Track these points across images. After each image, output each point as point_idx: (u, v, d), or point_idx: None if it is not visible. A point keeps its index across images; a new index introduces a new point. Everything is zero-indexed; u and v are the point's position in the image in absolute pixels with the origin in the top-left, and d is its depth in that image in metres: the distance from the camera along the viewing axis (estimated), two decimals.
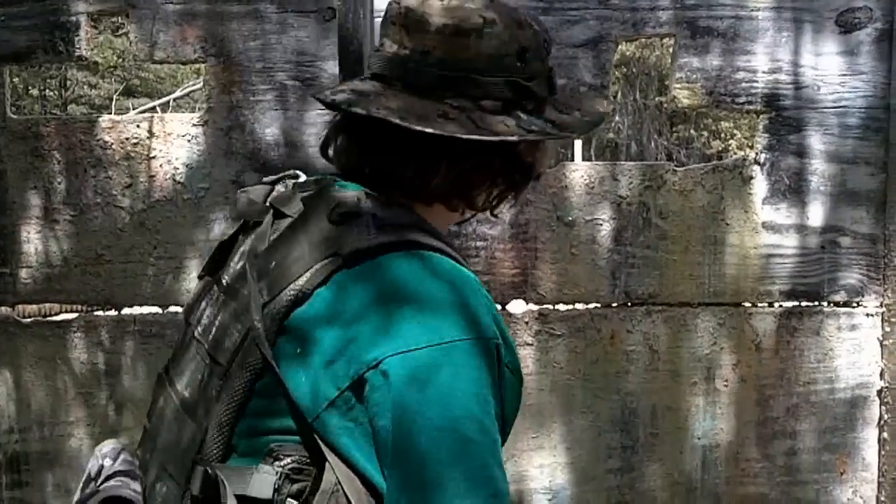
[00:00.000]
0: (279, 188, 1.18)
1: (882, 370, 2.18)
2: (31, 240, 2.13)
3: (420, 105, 1.09)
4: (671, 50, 2.20)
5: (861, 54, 2.14)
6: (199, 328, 1.13)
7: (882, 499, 2.19)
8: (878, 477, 2.20)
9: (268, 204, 1.14)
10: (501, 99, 1.12)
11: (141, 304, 2.17)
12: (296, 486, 1.00)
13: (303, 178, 1.20)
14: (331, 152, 1.20)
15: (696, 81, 2.15)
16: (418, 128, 1.06)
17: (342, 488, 0.98)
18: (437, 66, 1.10)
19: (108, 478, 1.14)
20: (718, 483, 2.20)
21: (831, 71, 2.15)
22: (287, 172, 1.23)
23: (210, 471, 1.02)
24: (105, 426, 2.16)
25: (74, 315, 2.20)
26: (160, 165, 2.12)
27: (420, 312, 0.97)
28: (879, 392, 2.19)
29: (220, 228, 2.11)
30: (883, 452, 2.19)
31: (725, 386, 2.19)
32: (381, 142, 1.12)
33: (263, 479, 1.00)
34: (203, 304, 1.16)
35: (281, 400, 1.00)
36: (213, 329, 1.09)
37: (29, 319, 2.22)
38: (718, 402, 2.19)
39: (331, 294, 1.00)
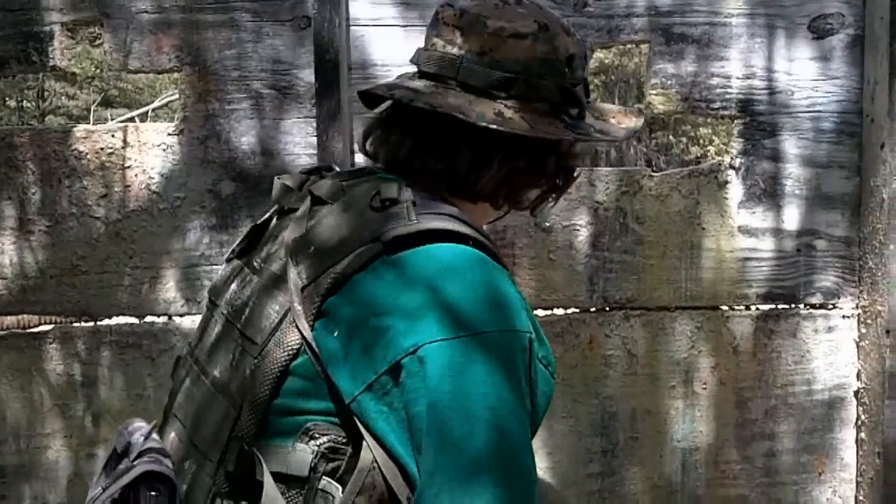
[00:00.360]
0: (314, 178, 1.20)
1: (859, 371, 2.20)
2: (6, 251, 2.11)
3: (477, 103, 1.13)
4: (646, 56, 2.22)
5: (834, 59, 2.16)
6: (230, 309, 1.14)
7: (861, 498, 2.21)
8: (857, 477, 2.22)
9: (305, 191, 1.17)
10: (550, 102, 1.16)
11: (117, 315, 2.16)
12: (331, 465, 1.01)
13: (337, 170, 1.24)
14: (370, 147, 1.23)
15: (671, 87, 2.16)
16: (483, 124, 1.10)
17: (379, 467, 0.99)
18: (494, 66, 1.14)
19: (140, 454, 1.14)
20: (699, 485, 2.21)
21: (805, 76, 2.16)
22: (321, 165, 1.25)
23: (246, 447, 1.03)
24: (83, 438, 2.15)
25: (50, 326, 2.19)
26: (135, 175, 2.11)
27: (458, 302, 0.99)
28: (856, 393, 2.21)
29: (195, 237, 2.10)
30: (861, 453, 2.21)
31: (704, 389, 2.20)
32: (436, 137, 1.15)
33: (300, 458, 1.02)
34: (233, 286, 1.17)
35: (318, 381, 1.02)
36: (247, 310, 1.10)
37: (4, 331, 2.20)
38: (697, 405, 2.20)
39: (371, 279, 1.02)
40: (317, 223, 1.10)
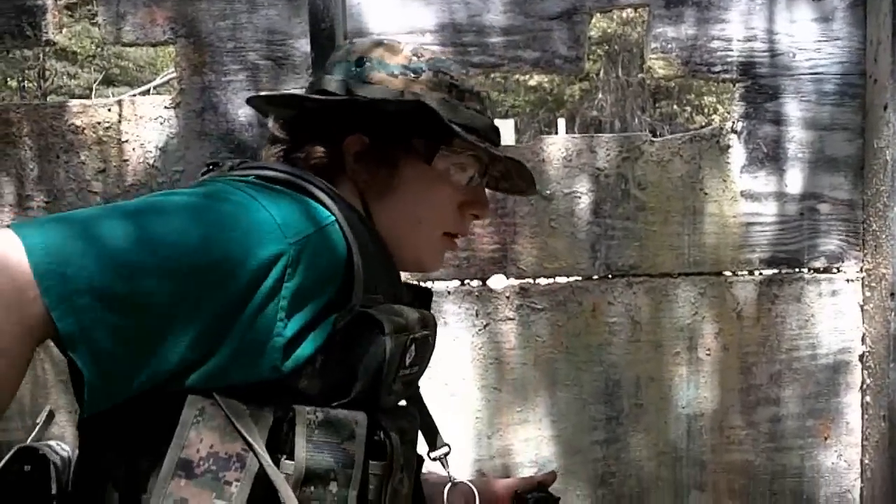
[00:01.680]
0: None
1: (863, 335, 2.19)
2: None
3: None
4: (645, 21, 2.19)
5: (836, 20, 2.13)
6: None
7: (866, 462, 2.20)
8: (862, 440, 2.21)
9: None
10: None
11: None
12: None
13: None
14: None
15: (671, 51, 2.14)
16: None
17: None
18: None
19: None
20: (704, 451, 2.21)
21: (806, 38, 2.14)
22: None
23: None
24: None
25: None
26: (133, 149, 2.10)
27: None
28: (861, 357, 2.20)
29: None
30: (866, 416, 2.20)
31: (708, 355, 2.19)
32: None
33: None
34: None
35: None
36: None
37: None
38: (701, 372, 2.20)
39: None
40: None
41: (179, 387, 0.96)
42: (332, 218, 1.06)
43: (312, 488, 0.99)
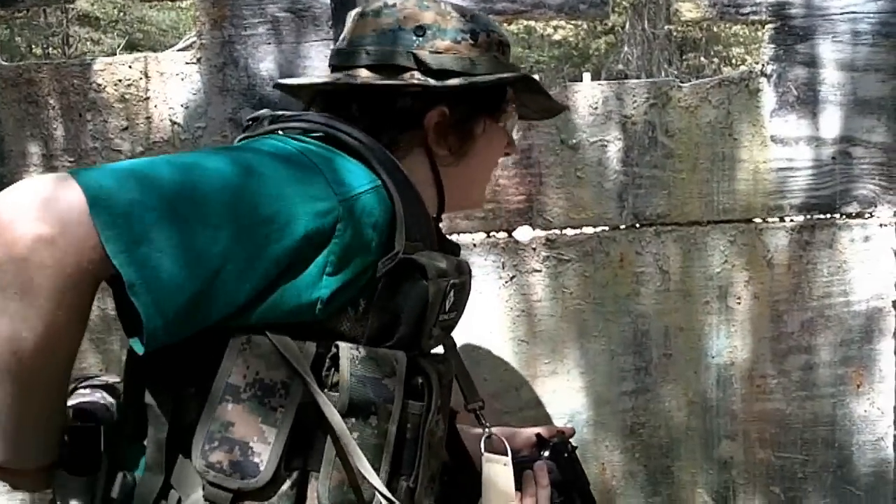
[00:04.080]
0: None
1: None
2: None
3: None
4: None
5: None
6: None
7: None
8: (895, 388, 2.19)
9: None
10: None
11: None
12: None
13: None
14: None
15: None
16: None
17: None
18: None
19: (72, 390, 1.24)
20: (734, 400, 2.19)
21: None
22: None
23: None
24: (121, 369, 2.17)
25: None
26: (155, 106, 2.08)
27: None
28: (895, 303, 2.16)
29: None
30: None
31: (738, 303, 2.17)
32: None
33: None
34: None
35: None
36: None
37: None
38: (732, 320, 2.17)
39: None
40: None
41: (241, 323, 1.00)
42: (378, 181, 1.10)
43: (354, 420, 1.02)
